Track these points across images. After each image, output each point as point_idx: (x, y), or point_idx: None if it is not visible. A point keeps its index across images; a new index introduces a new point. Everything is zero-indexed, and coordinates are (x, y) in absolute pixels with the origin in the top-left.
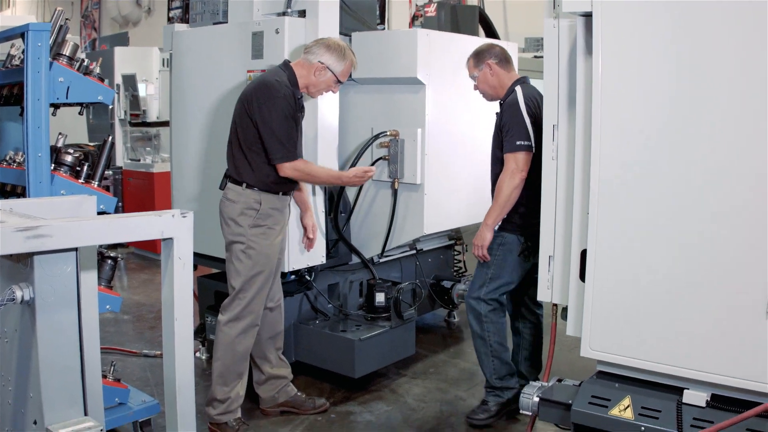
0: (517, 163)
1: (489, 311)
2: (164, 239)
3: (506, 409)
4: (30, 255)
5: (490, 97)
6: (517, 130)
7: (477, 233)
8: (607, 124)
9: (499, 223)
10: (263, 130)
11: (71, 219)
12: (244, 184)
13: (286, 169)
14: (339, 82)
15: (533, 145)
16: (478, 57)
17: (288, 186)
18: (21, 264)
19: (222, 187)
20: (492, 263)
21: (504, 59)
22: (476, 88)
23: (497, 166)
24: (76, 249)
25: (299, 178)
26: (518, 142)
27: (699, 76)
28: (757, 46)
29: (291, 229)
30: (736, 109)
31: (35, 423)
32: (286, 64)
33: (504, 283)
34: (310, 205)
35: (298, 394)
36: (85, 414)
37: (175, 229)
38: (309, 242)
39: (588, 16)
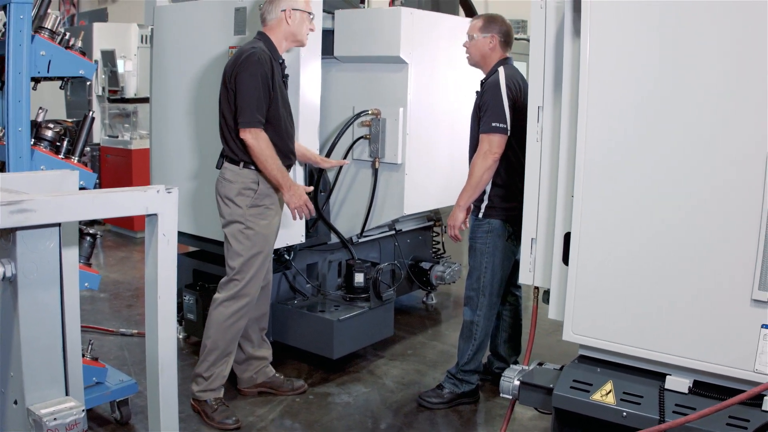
0: (490, 145)
1: (486, 305)
2: (148, 215)
3: (458, 401)
4: (12, 230)
5: (473, 63)
6: (495, 112)
7: (450, 214)
8: (593, 107)
9: (484, 211)
10: (237, 95)
11: (55, 194)
12: (242, 164)
13: (247, 134)
14: (311, 15)
15: (509, 128)
16: (489, 24)
17: (284, 164)
18: (3, 239)
19: (219, 166)
20: (485, 251)
21: (507, 42)
22: (466, 46)
23: (475, 146)
24: (59, 224)
25: (251, 149)
26: (494, 124)
27: (687, 59)
28: (744, 30)
29: None
30: (723, 92)
31: (15, 403)
32: (260, 33)
33: (501, 277)
34: (308, 150)
35: (277, 375)
36: (66, 394)
37: (160, 204)
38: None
39: None
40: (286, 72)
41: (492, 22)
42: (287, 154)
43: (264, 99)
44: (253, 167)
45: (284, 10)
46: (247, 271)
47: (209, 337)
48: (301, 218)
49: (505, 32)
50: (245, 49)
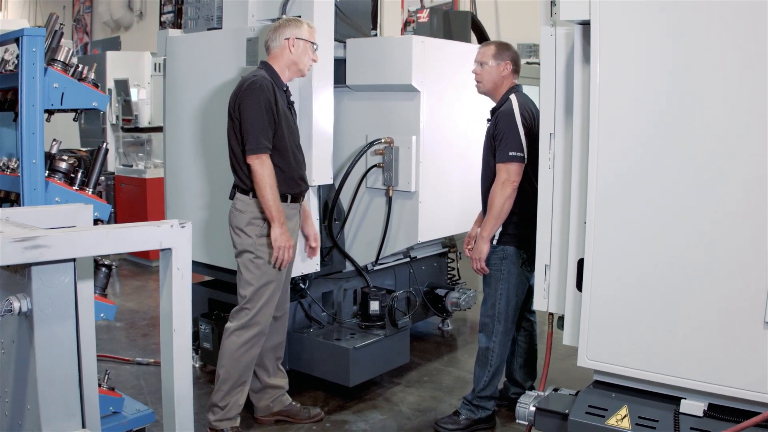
0: (508, 174)
1: (501, 332)
2: (163, 250)
3: (475, 427)
4: (28, 266)
5: (484, 90)
6: (511, 141)
7: (474, 247)
8: (604, 133)
9: (498, 238)
10: (242, 123)
11: (70, 230)
12: (251, 193)
13: (252, 160)
14: (314, 45)
15: (526, 156)
16: (503, 51)
17: (295, 191)
18: (18, 275)
19: (231, 196)
20: (500, 278)
21: (517, 69)
22: (476, 73)
23: (488, 174)
24: (73, 260)
25: (254, 175)
26: (511, 153)
27: (697, 85)
28: (755, 56)
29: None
30: (734, 119)
31: None
32: (262, 63)
33: (516, 303)
34: (309, 213)
35: (293, 403)
36: (83, 425)
37: (174, 239)
38: (311, 251)
39: (586, 24)
40: (291, 99)
41: (505, 49)
42: (297, 181)
43: (269, 125)
44: None
45: (288, 39)
46: (257, 300)
47: (222, 366)
48: (276, 264)
49: (515, 60)
50: (247, 78)
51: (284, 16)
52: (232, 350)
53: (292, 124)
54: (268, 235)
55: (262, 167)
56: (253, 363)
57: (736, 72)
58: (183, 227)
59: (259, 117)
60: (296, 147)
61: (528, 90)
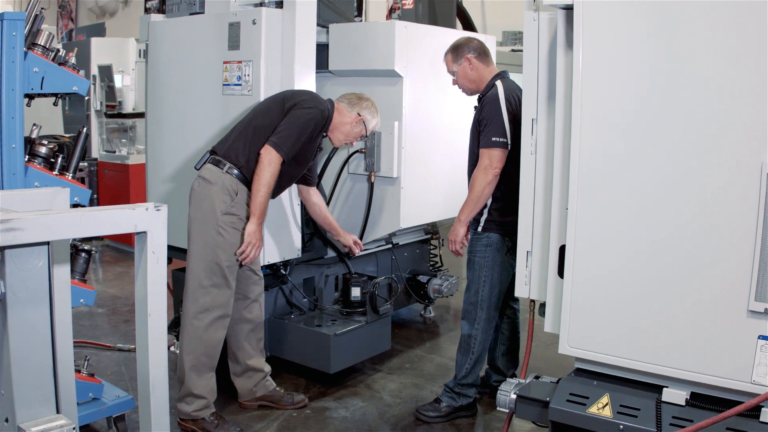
0: (491, 160)
1: (484, 319)
2: (138, 233)
3: (456, 415)
4: (1, 249)
5: (470, 92)
6: (495, 126)
7: (451, 229)
8: (587, 119)
9: (483, 225)
10: (286, 120)
11: (43, 212)
12: (226, 166)
13: (269, 153)
14: (364, 136)
15: (509, 142)
16: (457, 52)
17: (272, 194)
18: None
19: (198, 166)
20: (483, 265)
21: (482, 53)
22: (455, 83)
23: (474, 160)
24: (48, 243)
25: (260, 166)
26: (494, 139)
27: (679, 69)
28: (735, 39)
29: (267, 223)
30: (716, 102)
31: (6, 421)
32: (332, 103)
33: (500, 290)
34: (338, 226)
35: (277, 389)
36: (58, 411)
37: (149, 222)
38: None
39: (569, 9)
40: (321, 146)
41: (457, 48)
42: (276, 190)
43: (300, 144)
44: (236, 172)
45: (360, 116)
46: (211, 278)
47: (189, 353)
48: (241, 257)
49: (474, 47)
50: (319, 100)
51: (267, 1)
52: (197, 335)
53: (303, 158)
54: (235, 215)
55: (271, 165)
56: (220, 345)
57: (720, 58)
58: (158, 210)
59: (300, 133)
60: (291, 173)
61: (513, 77)
